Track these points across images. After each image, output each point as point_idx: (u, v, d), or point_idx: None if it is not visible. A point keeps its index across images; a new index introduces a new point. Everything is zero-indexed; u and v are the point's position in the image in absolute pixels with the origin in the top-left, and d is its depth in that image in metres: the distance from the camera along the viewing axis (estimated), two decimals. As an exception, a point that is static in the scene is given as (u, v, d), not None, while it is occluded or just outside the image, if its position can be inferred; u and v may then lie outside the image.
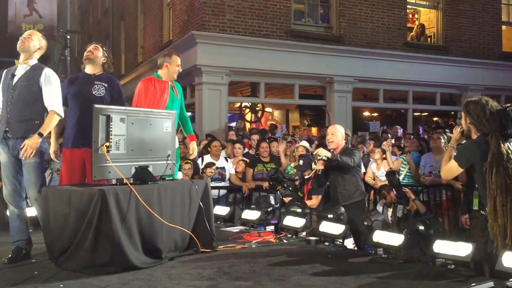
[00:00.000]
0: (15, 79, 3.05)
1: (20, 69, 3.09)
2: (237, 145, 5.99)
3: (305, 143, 5.45)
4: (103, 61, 3.46)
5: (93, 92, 3.34)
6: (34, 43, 3.10)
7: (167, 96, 3.62)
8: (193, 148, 3.89)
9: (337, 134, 3.95)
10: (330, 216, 3.42)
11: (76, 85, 3.41)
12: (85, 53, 3.46)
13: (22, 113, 3.01)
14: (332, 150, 3.92)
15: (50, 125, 3.04)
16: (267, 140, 6.02)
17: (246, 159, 5.80)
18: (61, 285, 2.43)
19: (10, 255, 2.96)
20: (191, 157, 4.22)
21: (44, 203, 2.89)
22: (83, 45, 19.53)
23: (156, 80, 3.67)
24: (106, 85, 3.39)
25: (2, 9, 16.50)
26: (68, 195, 2.79)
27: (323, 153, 3.80)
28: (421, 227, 2.96)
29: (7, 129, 3.00)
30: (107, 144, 2.78)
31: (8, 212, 3.18)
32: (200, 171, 5.29)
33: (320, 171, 3.87)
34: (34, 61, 3.12)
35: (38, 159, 3.01)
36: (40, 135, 2.97)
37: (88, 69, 3.47)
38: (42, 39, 3.17)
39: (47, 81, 3.05)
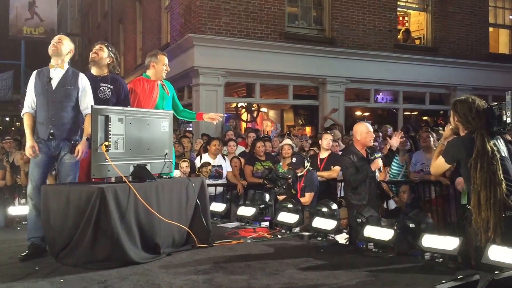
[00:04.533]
0: (54, 83, 3.15)
1: (56, 73, 3.17)
2: (231, 143, 6.07)
3: (289, 141, 5.55)
4: (109, 62, 3.46)
5: (99, 95, 3.37)
6: (65, 47, 3.22)
7: (156, 95, 3.67)
8: (210, 116, 3.90)
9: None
10: (325, 210, 3.51)
11: None
12: (90, 54, 3.47)
13: (65, 117, 3.15)
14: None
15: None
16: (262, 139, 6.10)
17: (239, 157, 5.89)
18: (62, 280, 2.49)
19: (26, 252, 3.00)
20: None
21: (45, 201, 2.95)
22: (83, 48, 19.62)
23: (144, 80, 3.71)
24: (111, 87, 3.41)
25: (4, 12, 16.55)
26: (68, 193, 2.86)
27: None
28: (411, 225, 3.04)
29: (52, 131, 3.12)
30: (106, 143, 2.86)
31: (27, 209, 3.24)
32: (197, 170, 5.36)
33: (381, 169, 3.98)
34: (66, 65, 3.23)
35: (75, 157, 3.21)
36: (88, 139, 3.12)
37: (94, 71, 3.47)
38: (71, 42, 3.31)
39: (83, 86, 3.20)
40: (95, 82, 3.41)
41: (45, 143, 3.14)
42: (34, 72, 3.24)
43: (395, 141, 4.03)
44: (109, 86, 3.42)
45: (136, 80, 3.76)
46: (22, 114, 3.22)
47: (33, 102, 3.20)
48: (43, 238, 3.09)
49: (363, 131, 4.01)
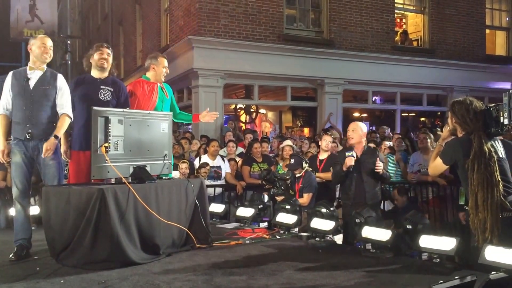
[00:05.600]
0: (32, 83, 3.15)
1: (34, 74, 3.18)
2: (231, 144, 6.11)
3: (289, 142, 5.57)
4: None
5: (100, 97, 3.40)
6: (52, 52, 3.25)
7: (156, 97, 3.70)
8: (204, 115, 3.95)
9: (358, 131, 3.99)
10: (324, 211, 3.52)
11: (83, 89, 3.44)
12: (98, 59, 3.44)
13: (42, 116, 3.15)
14: (353, 145, 3.97)
15: (63, 127, 3.19)
16: (259, 141, 6.15)
17: (236, 159, 5.92)
18: (62, 281, 2.50)
19: (15, 253, 3.03)
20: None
21: (45, 202, 2.97)
22: (83, 49, 19.70)
23: (144, 82, 3.75)
24: (112, 89, 3.45)
25: (4, 15, 16.62)
26: (68, 194, 2.87)
27: (379, 167, 3.85)
28: (409, 226, 3.06)
29: (30, 131, 3.11)
30: (106, 145, 2.88)
31: (14, 211, 3.26)
32: (195, 171, 5.39)
33: (351, 168, 3.89)
34: (45, 67, 3.25)
35: (58, 158, 3.21)
36: (56, 137, 3.12)
37: (94, 73, 3.50)
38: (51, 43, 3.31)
39: (60, 86, 3.21)
40: (95, 84, 3.43)
41: (22, 144, 3.12)
42: (10, 73, 3.18)
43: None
44: (109, 88, 3.45)
45: (136, 82, 3.79)
46: None
47: (8, 103, 3.14)
48: (29, 240, 3.14)
49: (347, 130, 4.09)
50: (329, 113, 8.89)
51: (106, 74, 3.51)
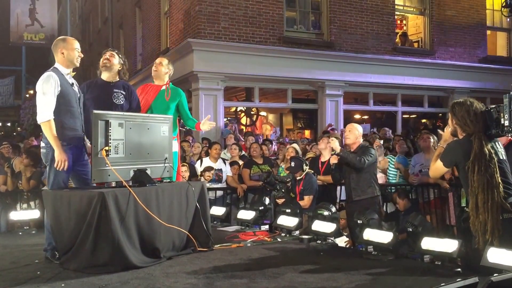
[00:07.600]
0: (76, 89, 3.19)
1: (71, 79, 3.19)
2: (233, 146, 6.13)
3: (294, 145, 5.58)
4: (119, 68, 3.53)
5: (114, 100, 3.42)
6: None
7: (151, 98, 3.71)
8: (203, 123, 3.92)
9: (354, 132, 4.11)
10: (326, 213, 3.52)
11: (95, 92, 3.44)
12: (101, 60, 3.49)
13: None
14: (348, 146, 4.07)
15: None
16: (259, 143, 6.17)
17: (238, 161, 5.93)
18: (63, 285, 2.50)
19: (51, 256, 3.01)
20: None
21: (46, 205, 2.98)
22: (84, 53, 19.60)
23: (149, 85, 3.79)
24: (124, 93, 3.49)
25: (4, 19, 16.76)
26: (69, 197, 2.88)
27: (334, 144, 3.97)
28: (410, 229, 3.06)
29: (84, 137, 3.20)
30: (106, 148, 2.87)
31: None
32: (199, 174, 5.39)
33: (334, 166, 4.00)
34: None
35: None
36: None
37: (105, 76, 3.52)
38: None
39: None
40: (107, 87, 3.47)
41: (75, 149, 3.13)
42: (54, 74, 3.01)
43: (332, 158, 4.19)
44: (121, 92, 3.49)
45: (142, 85, 3.85)
46: (46, 119, 2.96)
47: (53, 107, 2.99)
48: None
49: (345, 131, 4.28)
50: (328, 124, 8.86)
51: (117, 78, 3.54)
